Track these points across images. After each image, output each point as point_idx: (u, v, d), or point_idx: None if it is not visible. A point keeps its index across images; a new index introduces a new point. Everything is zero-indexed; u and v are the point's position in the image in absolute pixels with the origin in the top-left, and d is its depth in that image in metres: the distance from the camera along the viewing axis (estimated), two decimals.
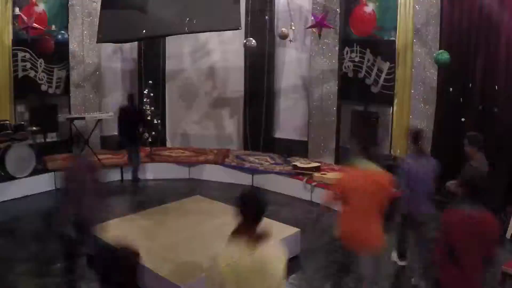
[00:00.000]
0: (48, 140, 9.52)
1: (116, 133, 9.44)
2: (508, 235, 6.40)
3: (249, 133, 10.21)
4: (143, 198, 8.12)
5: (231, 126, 10.53)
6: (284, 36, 9.83)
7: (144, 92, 9.93)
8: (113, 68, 10.53)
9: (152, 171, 9.24)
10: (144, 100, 9.87)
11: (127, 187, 8.78)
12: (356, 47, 8.99)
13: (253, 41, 9.34)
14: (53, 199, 7.68)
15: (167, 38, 10.03)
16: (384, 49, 8.63)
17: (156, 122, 9.90)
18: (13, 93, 8.93)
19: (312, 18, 9.03)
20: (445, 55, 7.18)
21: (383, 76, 8.67)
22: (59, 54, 9.43)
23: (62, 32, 9.40)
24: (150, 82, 9.98)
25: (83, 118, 9.14)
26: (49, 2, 9.26)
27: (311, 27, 9.23)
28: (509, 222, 6.45)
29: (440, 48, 7.58)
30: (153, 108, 9.87)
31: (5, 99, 8.81)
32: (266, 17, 9.84)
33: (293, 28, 9.54)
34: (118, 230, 5.80)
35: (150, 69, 10.31)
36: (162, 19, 6.02)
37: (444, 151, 8.01)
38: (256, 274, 2.68)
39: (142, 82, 10.29)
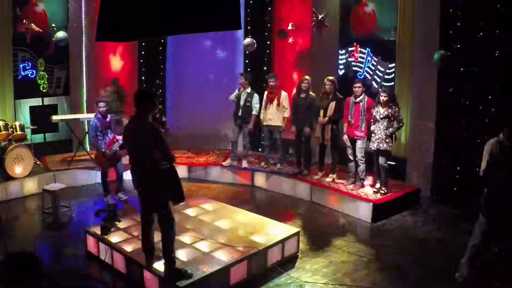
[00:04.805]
0: (48, 140, 9.54)
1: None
2: None
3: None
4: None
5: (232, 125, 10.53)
6: (283, 36, 9.87)
7: None
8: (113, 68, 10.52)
9: None
10: None
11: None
12: (356, 47, 8.99)
13: (253, 40, 9.38)
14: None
15: (168, 38, 10.03)
16: (384, 49, 8.63)
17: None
18: (13, 93, 8.95)
19: (313, 18, 9.07)
20: (440, 52, 7.35)
21: (383, 76, 8.68)
22: (59, 54, 9.45)
23: (62, 31, 9.41)
24: (157, 81, 10.00)
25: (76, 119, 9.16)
26: (49, 2, 9.27)
27: (311, 27, 9.26)
28: None
29: (440, 48, 7.59)
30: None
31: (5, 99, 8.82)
32: (266, 18, 9.86)
33: (292, 27, 9.57)
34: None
35: (151, 69, 10.31)
36: (162, 19, 6.01)
37: (443, 151, 8.04)
38: None
39: (142, 82, 10.28)
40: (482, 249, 5.23)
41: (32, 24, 8.78)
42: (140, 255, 5.08)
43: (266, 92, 8.53)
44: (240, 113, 8.58)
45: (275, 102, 8.33)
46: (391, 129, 7.16)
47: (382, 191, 7.40)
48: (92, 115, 8.91)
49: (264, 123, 8.54)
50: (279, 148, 8.64)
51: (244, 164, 8.92)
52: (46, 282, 5.00)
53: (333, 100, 7.79)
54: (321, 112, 7.89)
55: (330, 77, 7.94)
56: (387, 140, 7.19)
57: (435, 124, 8.01)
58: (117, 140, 7.47)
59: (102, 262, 5.58)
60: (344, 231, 6.83)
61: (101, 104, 7.65)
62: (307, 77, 8.17)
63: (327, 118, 7.79)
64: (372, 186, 7.63)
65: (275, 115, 8.35)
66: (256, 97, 8.55)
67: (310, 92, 8.15)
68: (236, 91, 8.65)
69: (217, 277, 4.93)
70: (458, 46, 7.56)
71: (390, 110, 7.15)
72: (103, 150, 7.44)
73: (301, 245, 6.04)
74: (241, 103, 8.55)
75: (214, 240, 5.57)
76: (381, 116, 7.18)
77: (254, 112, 8.53)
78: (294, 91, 8.41)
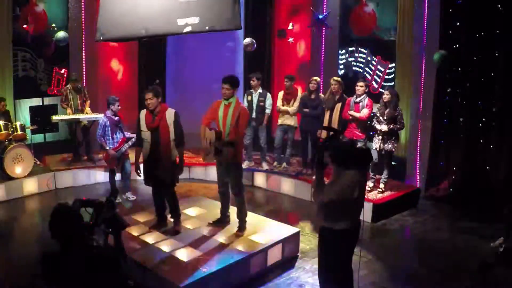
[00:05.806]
0: (48, 140, 9.54)
1: None
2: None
3: None
4: (140, 197, 8.10)
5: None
6: (283, 36, 9.87)
7: None
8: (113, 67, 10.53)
9: None
10: None
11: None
12: (356, 47, 8.99)
13: (253, 40, 9.37)
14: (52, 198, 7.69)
15: (168, 38, 10.02)
16: (384, 49, 8.63)
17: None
18: (13, 93, 8.95)
19: (313, 18, 9.06)
20: (441, 52, 7.39)
21: (383, 76, 8.69)
22: (59, 54, 9.45)
23: (62, 31, 9.41)
24: (158, 81, 9.99)
25: (77, 119, 9.08)
26: (49, 2, 9.27)
27: (311, 26, 9.26)
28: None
29: (440, 48, 7.59)
30: None
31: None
32: (266, 18, 9.87)
33: (292, 27, 9.56)
34: None
35: (151, 69, 10.30)
36: (162, 19, 6.01)
37: (442, 151, 8.04)
38: None
39: (142, 82, 10.28)
40: None
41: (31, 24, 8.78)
42: (143, 257, 5.09)
43: (282, 93, 8.42)
44: (254, 115, 8.38)
45: (291, 102, 8.27)
46: (394, 128, 7.17)
47: (380, 190, 7.40)
48: (92, 115, 8.96)
49: (279, 123, 8.46)
50: (291, 148, 8.56)
51: (265, 166, 8.76)
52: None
53: (339, 102, 7.69)
54: (327, 113, 7.77)
55: (336, 77, 7.90)
56: (391, 140, 7.18)
57: (433, 124, 8.02)
58: (127, 141, 7.45)
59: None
60: None
61: (117, 103, 7.47)
62: (315, 78, 8.12)
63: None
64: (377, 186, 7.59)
65: (291, 115, 8.32)
66: (269, 97, 8.47)
67: (320, 94, 8.13)
68: (246, 97, 8.56)
69: (217, 277, 4.93)
70: (457, 46, 7.56)
71: (393, 111, 7.13)
72: (108, 148, 7.39)
73: (301, 245, 6.04)
74: (254, 105, 8.41)
75: (214, 240, 5.57)
76: (385, 117, 7.16)
77: (268, 112, 8.46)
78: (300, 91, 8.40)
